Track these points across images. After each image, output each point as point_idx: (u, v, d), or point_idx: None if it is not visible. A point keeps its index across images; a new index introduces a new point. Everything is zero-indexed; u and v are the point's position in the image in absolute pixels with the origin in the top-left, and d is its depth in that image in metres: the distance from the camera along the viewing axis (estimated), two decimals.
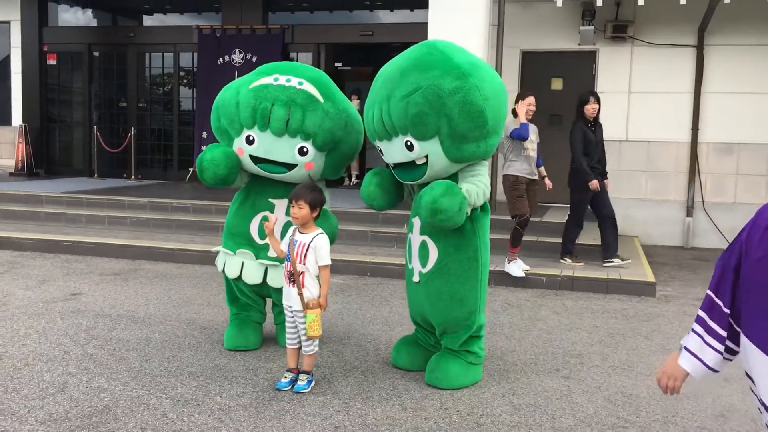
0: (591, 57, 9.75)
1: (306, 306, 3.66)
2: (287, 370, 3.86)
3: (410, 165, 3.76)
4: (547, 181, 6.98)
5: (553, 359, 4.46)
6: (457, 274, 3.81)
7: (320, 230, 3.78)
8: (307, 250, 3.68)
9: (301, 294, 3.67)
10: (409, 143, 3.67)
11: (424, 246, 3.89)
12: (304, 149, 4.15)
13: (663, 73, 9.45)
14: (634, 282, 6.45)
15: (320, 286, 3.73)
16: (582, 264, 7.02)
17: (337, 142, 4.24)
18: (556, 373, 4.20)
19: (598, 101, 7.05)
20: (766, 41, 9.15)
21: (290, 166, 4.20)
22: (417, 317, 4.14)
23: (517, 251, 6.59)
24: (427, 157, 3.68)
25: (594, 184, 6.87)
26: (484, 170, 3.81)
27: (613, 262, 6.98)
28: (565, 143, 10.35)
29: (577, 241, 7.41)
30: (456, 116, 3.51)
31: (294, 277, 3.69)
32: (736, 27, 9.18)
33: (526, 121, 6.46)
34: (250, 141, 4.15)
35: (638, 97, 9.56)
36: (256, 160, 4.20)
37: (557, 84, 9.95)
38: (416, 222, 3.95)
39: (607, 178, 7.30)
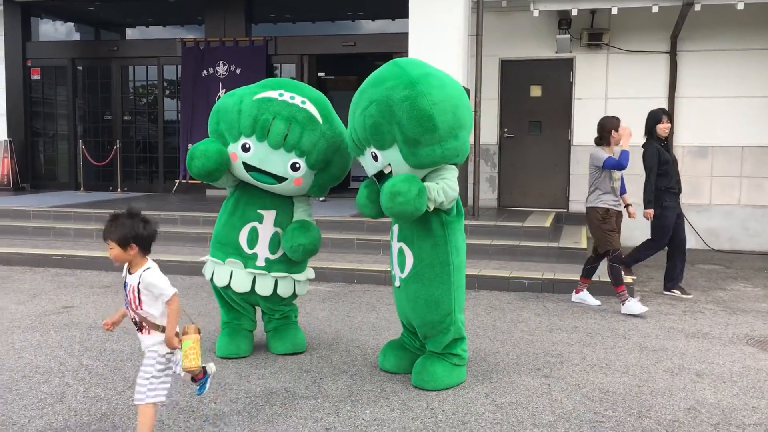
0: (568, 64, 9.99)
1: (183, 332, 3.11)
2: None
3: (382, 176, 3.94)
4: (630, 209, 6.61)
5: (534, 359, 4.64)
6: (430, 278, 3.99)
7: (147, 265, 3.15)
8: (139, 293, 3.09)
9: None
10: (373, 154, 3.88)
11: (401, 252, 4.09)
12: (297, 165, 4.32)
13: (638, 79, 9.72)
14: None
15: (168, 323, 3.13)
16: (691, 296, 6.64)
17: (328, 163, 4.43)
18: (537, 372, 4.38)
19: (670, 119, 6.62)
20: (735, 47, 9.45)
21: (280, 179, 4.36)
22: (403, 319, 4.33)
23: (623, 289, 6.03)
24: (391, 165, 3.87)
25: (649, 212, 6.47)
26: (450, 174, 3.91)
27: (674, 292, 6.69)
28: (544, 149, 10.57)
29: (561, 245, 7.61)
30: (405, 122, 3.68)
31: (140, 325, 3.13)
32: (707, 33, 9.48)
33: (627, 149, 5.97)
34: (246, 149, 4.31)
35: (615, 103, 9.80)
36: (248, 167, 4.36)
37: (536, 91, 10.19)
38: (395, 229, 4.16)
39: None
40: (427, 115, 3.67)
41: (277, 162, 4.31)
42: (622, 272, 6.12)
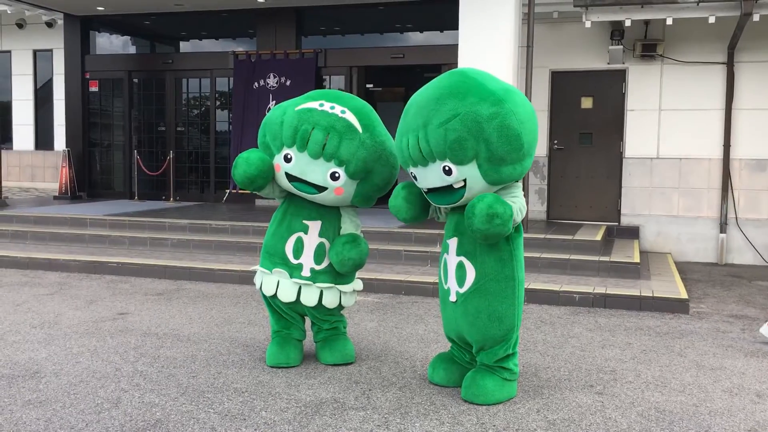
0: (621, 75, 9.84)
1: None
2: None
3: (447, 189, 3.91)
4: None
5: (587, 375, 4.55)
6: (495, 293, 3.95)
7: None
8: None
9: None
10: (447, 168, 3.82)
11: (461, 266, 4.03)
12: (336, 174, 4.35)
13: (693, 91, 9.51)
14: (667, 299, 6.48)
15: None
16: None
17: (369, 172, 4.42)
18: (590, 389, 4.30)
19: None
20: None
21: (321, 189, 4.40)
22: (452, 335, 4.27)
23: None
24: (465, 180, 3.83)
25: None
26: (519, 192, 3.97)
27: None
28: (595, 161, 10.42)
29: (613, 259, 7.48)
30: (495, 140, 3.66)
31: None
32: (766, 44, 9.21)
33: None
34: (287, 159, 4.39)
35: (669, 115, 9.62)
36: (290, 177, 4.43)
37: (587, 103, 10.05)
38: (452, 243, 4.09)
39: None
40: (516, 133, 3.68)
41: (317, 171, 4.35)
42: None
